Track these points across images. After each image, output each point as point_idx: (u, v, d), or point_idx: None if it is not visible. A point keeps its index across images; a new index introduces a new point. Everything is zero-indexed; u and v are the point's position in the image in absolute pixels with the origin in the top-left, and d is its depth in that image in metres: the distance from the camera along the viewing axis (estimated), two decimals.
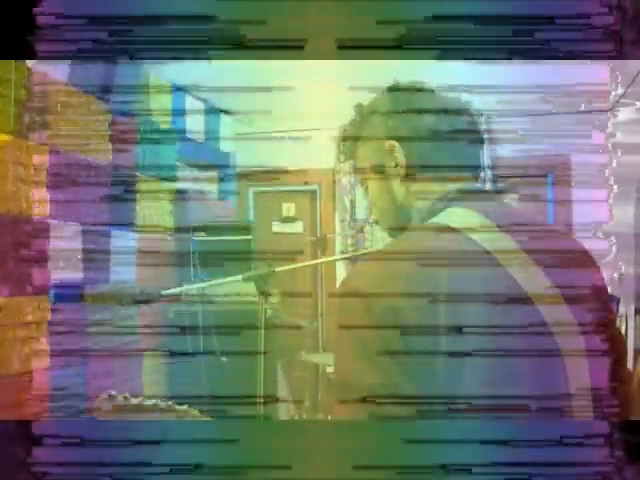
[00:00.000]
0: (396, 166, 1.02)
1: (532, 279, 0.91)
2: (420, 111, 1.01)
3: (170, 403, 1.21)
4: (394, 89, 1.07)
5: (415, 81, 1.06)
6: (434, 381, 0.82)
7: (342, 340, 0.89)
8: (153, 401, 1.20)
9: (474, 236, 0.91)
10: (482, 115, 1.06)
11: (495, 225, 0.94)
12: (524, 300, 0.88)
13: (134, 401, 1.19)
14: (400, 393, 0.82)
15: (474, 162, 1.04)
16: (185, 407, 1.21)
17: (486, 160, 1.06)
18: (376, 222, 1.17)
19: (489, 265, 0.89)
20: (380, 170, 1.04)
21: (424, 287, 0.84)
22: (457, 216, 0.96)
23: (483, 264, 0.89)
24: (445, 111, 1.02)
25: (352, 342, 0.87)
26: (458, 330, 0.83)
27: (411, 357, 0.82)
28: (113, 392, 1.20)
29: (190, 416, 1.20)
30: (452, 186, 1.00)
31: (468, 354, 0.82)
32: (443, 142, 1.00)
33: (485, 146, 1.06)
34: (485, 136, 1.06)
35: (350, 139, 1.10)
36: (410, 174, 1.02)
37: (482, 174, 1.04)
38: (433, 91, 1.06)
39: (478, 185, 1.03)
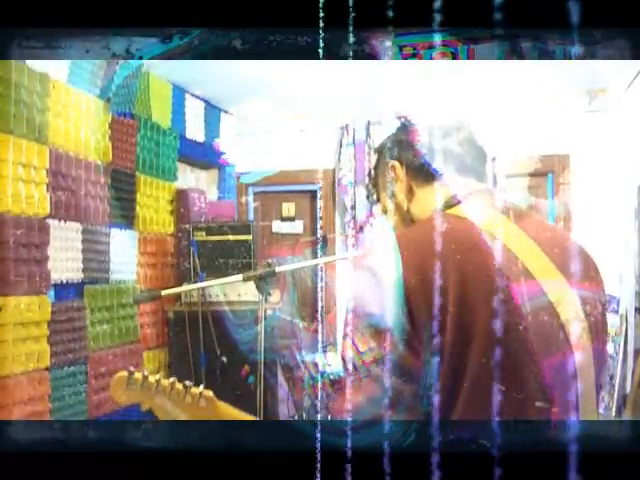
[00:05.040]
0: (398, 181, 1.16)
1: (540, 265, 0.99)
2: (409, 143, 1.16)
3: (187, 383, 1.22)
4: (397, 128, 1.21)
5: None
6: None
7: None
8: (170, 380, 1.21)
9: (482, 225, 1.01)
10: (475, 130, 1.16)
11: (502, 216, 1.04)
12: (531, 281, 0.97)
13: (152, 379, 1.20)
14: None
15: (474, 169, 1.14)
16: (201, 389, 1.23)
17: (489, 163, 1.14)
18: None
19: (498, 251, 0.97)
20: (389, 187, 1.18)
21: (431, 266, 0.93)
22: (464, 210, 1.06)
23: (492, 249, 0.97)
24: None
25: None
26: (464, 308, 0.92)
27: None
28: (132, 368, 1.21)
29: (204, 398, 1.22)
30: (457, 189, 1.10)
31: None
32: (439, 157, 1.13)
33: (486, 153, 1.17)
34: (485, 145, 1.15)
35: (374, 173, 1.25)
36: (411, 186, 1.15)
37: (485, 176, 1.15)
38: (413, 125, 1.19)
39: (482, 185, 1.14)
